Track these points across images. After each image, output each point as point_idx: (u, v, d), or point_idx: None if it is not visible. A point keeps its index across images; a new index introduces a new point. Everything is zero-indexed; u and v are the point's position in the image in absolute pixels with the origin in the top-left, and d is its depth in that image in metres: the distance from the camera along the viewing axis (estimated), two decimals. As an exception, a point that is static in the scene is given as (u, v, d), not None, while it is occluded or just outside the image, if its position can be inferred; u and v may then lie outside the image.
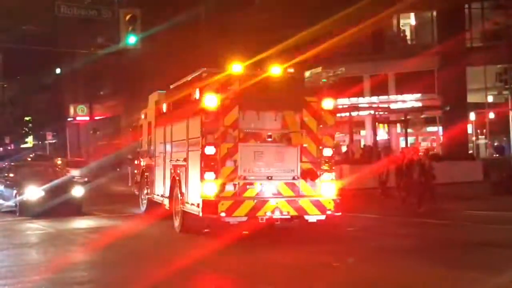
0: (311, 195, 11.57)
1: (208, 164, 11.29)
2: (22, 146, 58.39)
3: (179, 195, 12.61)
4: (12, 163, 21.09)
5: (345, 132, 27.92)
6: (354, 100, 30.39)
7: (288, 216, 11.44)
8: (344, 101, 29.11)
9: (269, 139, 11.69)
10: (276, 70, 11.94)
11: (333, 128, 11.91)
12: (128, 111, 37.91)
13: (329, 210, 11.46)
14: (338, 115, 27.98)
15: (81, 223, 15.38)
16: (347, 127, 26.98)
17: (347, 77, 25.82)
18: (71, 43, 39.74)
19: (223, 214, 11.03)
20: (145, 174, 16.59)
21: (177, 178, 12.85)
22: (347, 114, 26.82)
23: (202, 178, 11.28)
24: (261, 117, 11.70)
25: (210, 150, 11.34)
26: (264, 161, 11.62)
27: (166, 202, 13.85)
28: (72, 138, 47.30)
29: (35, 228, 14.58)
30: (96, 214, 17.21)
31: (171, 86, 14.67)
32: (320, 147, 11.79)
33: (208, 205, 11.09)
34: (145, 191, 16.40)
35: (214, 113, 11.39)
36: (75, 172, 26.10)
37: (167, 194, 13.80)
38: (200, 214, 11.27)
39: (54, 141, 52.64)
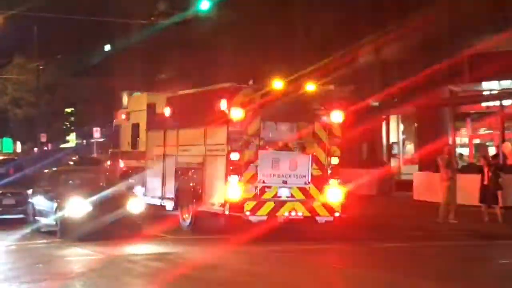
0: (320, 198, 16.89)
1: (233, 168, 16.50)
2: (62, 145, 59.86)
3: (192, 195, 18.01)
4: (53, 169, 21.21)
5: (494, 128, 26.78)
6: (507, 83, 28.60)
7: (302, 217, 16.78)
8: (491, 85, 27.82)
9: (285, 148, 17.03)
10: (294, 86, 17.67)
11: (341, 139, 17.39)
12: None
13: (337, 212, 16.87)
14: (484, 104, 27.03)
15: (140, 247, 15.48)
16: (497, 120, 25.91)
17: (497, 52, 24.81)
18: (124, 12, 40.67)
19: (248, 213, 16.22)
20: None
21: (189, 180, 18.34)
22: (496, 102, 25.71)
23: (226, 180, 16.35)
24: (279, 127, 17.17)
25: (235, 156, 16.56)
26: (280, 167, 16.99)
27: (168, 203, 19.26)
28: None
29: (80, 253, 14.73)
30: (160, 235, 17.23)
31: (180, 92, 20.59)
32: (329, 156, 17.13)
33: (235, 205, 16.25)
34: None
35: (239, 123, 16.64)
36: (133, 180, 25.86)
37: (170, 195, 19.10)
38: (227, 213, 16.36)
39: (102, 139, 53.00)
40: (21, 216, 20.09)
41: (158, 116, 21.30)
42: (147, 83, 41.52)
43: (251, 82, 18.00)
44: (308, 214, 16.88)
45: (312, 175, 17.17)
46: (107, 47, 51.33)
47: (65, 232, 16.47)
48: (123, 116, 25.35)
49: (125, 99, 35.26)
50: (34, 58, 50.75)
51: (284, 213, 16.76)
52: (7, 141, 63.72)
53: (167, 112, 20.31)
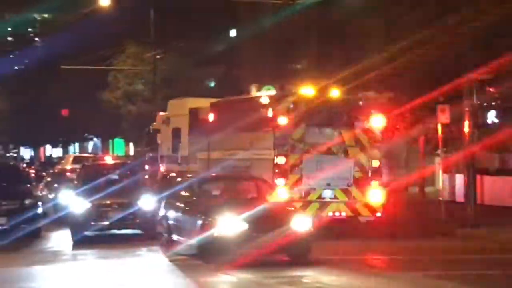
0: (362, 200, 20.53)
1: (279, 172, 20.01)
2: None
3: None
4: (189, 176, 20.98)
5: None
6: None
7: (345, 217, 20.44)
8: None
9: (328, 151, 20.44)
10: (335, 93, 21.11)
11: (381, 143, 21.17)
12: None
13: (378, 212, 20.59)
14: None
15: (310, 274, 14.65)
16: None
17: None
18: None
19: None
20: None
21: None
22: None
23: (273, 183, 19.49)
24: (322, 132, 20.58)
25: (281, 160, 19.99)
26: (323, 170, 20.20)
27: None
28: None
29: (228, 281, 14.30)
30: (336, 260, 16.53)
31: (222, 100, 24.40)
32: (370, 159, 20.72)
33: None
34: None
35: (285, 129, 20.08)
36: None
37: None
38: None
39: None
40: (135, 231, 21.16)
41: (201, 121, 24.50)
42: (278, 74, 40.36)
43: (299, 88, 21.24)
44: (351, 214, 20.66)
45: (354, 177, 20.79)
46: (233, 33, 50.32)
47: (212, 254, 15.61)
48: (162, 121, 28.92)
49: (253, 93, 35.15)
50: (150, 47, 49.75)
51: (328, 213, 20.44)
52: (118, 142, 63.27)
53: (211, 118, 23.56)
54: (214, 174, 20.77)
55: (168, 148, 28.16)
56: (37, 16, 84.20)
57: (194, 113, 25.79)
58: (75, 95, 60.34)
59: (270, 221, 15.86)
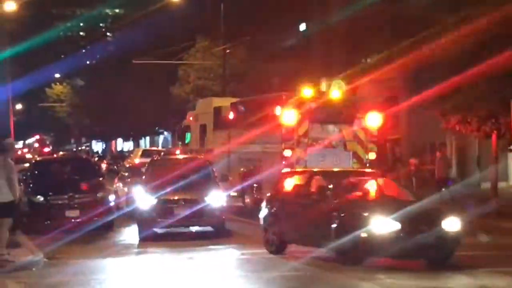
0: None
1: (286, 163, 22.64)
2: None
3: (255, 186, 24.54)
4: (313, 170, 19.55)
5: None
6: None
7: None
8: None
9: (330, 145, 23.40)
10: (335, 93, 24.18)
11: (378, 138, 24.05)
12: (410, 89, 35.65)
13: None
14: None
15: (454, 280, 13.78)
16: None
17: None
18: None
19: None
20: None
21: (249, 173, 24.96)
22: None
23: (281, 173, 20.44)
24: (324, 128, 23.68)
25: (288, 153, 22.99)
26: (325, 162, 22.81)
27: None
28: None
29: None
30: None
31: (241, 99, 28.56)
32: (367, 152, 23.53)
33: None
34: None
35: (291, 125, 23.10)
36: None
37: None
38: None
39: None
40: (205, 228, 21.00)
41: (223, 118, 28.31)
42: (349, 67, 39.54)
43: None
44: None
45: (352, 168, 22.94)
46: (302, 27, 49.78)
47: (358, 256, 14.63)
48: (192, 118, 33.00)
49: (323, 87, 35.30)
50: (220, 41, 49.71)
51: None
52: (189, 136, 63.95)
53: (231, 115, 27.33)
54: (327, 170, 19.60)
55: (197, 142, 31.86)
56: (109, 11, 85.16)
57: (217, 111, 29.68)
58: (146, 90, 60.88)
59: (422, 220, 14.81)
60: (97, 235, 21.19)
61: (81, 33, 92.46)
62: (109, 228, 22.41)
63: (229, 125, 27.46)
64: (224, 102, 30.47)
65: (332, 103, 23.96)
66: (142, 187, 21.74)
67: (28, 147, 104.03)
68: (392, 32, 39.82)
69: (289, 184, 17.74)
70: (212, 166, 22.74)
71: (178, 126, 39.04)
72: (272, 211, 17.69)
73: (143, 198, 20.98)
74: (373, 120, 23.95)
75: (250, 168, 25.56)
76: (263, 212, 18.05)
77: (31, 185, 23.44)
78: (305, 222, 16.40)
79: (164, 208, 20.52)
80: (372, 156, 23.75)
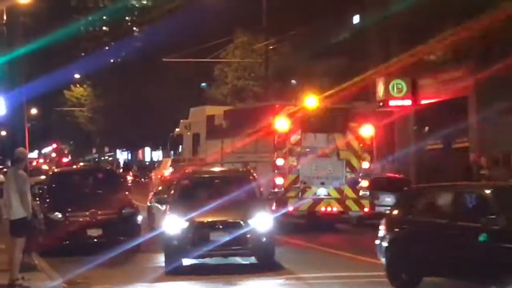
0: (353, 197, 26.70)
1: (278, 172, 26.24)
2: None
3: None
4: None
5: None
6: None
7: (336, 212, 27.03)
8: None
9: (323, 154, 26.56)
10: (311, 102, 27.08)
11: (371, 147, 27.50)
12: (481, 89, 35.43)
13: (366, 208, 26.80)
14: None
15: None
16: None
17: None
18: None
19: (291, 209, 25.97)
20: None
21: None
22: None
23: (274, 182, 26.05)
24: (317, 137, 26.64)
25: (280, 161, 26.25)
26: (319, 171, 26.59)
27: None
28: (382, 136, 45.58)
29: None
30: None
31: (234, 107, 33.99)
32: (360, 161, 26.73)
33: (281, 202, 25.70)
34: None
35: (284, 134, 26.31)
36: (387, 199, 29.03)
37: None
38: (273, 208, 23.70)
39: None
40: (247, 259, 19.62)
41: (216, 127, 31.86)
42: (409, 66, 40.07)
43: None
44: (342, 210, 26.66)
45: (346, 177, 26.88)
46: (356, 19, 49.68)
47: None
48: (184, 127, 37.57)
49: (380, 88, 35.39)
50: (261, 36, 49.72)
51: (321, 208, 26.91)
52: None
53: (225, 124, 30.83)
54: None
55: (190, 151, 36.52)
56: (135, 2, 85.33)
57: (210, 119, 33.30)
58: (177, 91, 61.02)
59: None
60: (122, 257, 21.06)
61: (104, 28, 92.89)
62: (135, 248, 22.23)
63: (222, 134, 31.07)
64: (217, 110, 34.35)
65: (325, 112, 27.40)
66: (168, 206, 20.78)
67: (44, 157, 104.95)
68: (456, 25, 39.59)
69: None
70: (257, 181, 21.55)
71: (170, 135, 44.83)
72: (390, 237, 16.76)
73: (169, 221, 19.49)
74: (367, 129, 27.22)
75: None
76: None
77: (48, 200, 23.49)
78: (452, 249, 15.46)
79: (195, 233, 18.82)
80: (365, 165, 27.09)
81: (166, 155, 59.13)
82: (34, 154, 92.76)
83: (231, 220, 19.04)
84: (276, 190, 26.15)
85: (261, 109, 29.27)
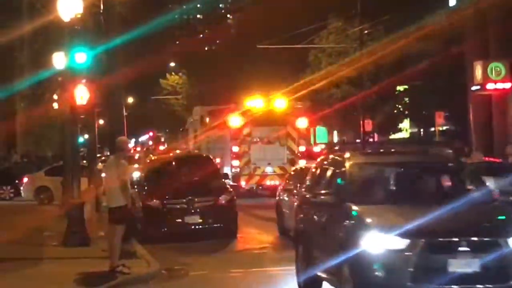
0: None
1: (234, 156, 38.03)
2: (392, 136, 59.02)
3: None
4: None
5: None
6: None
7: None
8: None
9: (269, 142, 37.83)
10: (280, 104, 38.61)
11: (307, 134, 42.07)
12: None
13: None
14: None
15: None
16: None
17: None
18: None
19: (243, 183, 37.67)
20: None
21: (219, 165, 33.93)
22: None
23: (231, 164, 37.87)
24: (264, 129, 37.85)
25: (235, 148, 37.99)
26: (266, 154, 37.73)
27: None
28: (479, 120, 44.90)
29: None
30: None
31: (213, 107, 45.25)
32: (298, 146, 38.06)
33: (236, 178, 36.98)
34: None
35: (237, 128, 37.95)
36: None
37: None
38: (231, 183, 29.96)
39: (446, 126, 52.28)
40: None
41: (203, 124, 44.31)
42: (508, 47, 39.60)
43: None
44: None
45: (287, 158, 37.28)
46: (452, 2, 48.75)
47: None
48: (189, 123, 51.15)
49: (478, 71, 34.19)
50: (356, 21, 49.63)
51: (267, 182, 37.26)
52: (320, 130, 63.82)
53: (207, 121, 42.98)
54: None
55: (186, 143, 49.86)
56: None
57: (201, 118, 45.17)
58: (271, 77, 61.04)
59: None
60: (220, 244, 21.27)
61: (198, 16, 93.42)
62: (233, 235, 22.48)
63: (206, 130, 43.07)
64: (207, 110, 45.22)
65: (270, 110, 37.46)
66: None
67: (142, 145, 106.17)
68: None
69: None
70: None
71: (181, 129, 61.73)
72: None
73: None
74: (302, 122, 38.04)
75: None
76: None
77: (145, 188, 23.76)
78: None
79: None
80: (302, 148, 37.90)
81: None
82: (131, 143, 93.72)
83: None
84: (232, 170, 36.67)
85: (224, 109, 40.72)
